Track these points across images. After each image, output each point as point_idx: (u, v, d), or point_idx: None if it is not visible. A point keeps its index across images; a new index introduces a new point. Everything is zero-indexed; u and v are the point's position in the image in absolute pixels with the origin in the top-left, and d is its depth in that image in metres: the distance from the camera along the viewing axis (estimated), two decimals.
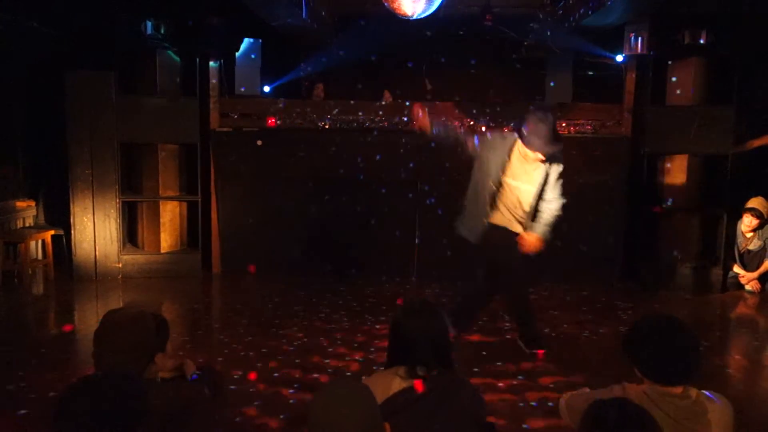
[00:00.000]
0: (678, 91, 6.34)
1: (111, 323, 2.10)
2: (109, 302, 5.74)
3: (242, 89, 7.02)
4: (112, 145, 6.33)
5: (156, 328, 2.19)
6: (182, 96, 6.59)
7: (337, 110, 6.66)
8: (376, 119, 6.64)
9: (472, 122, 6.55)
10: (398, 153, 6.43)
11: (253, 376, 3.86)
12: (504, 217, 4.26)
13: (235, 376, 3.87)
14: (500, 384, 3.86)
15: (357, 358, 4.30)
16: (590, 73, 7.29)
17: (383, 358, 2.57)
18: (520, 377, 3.98)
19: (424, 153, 6.36)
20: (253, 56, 6.96)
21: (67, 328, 5.00)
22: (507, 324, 4.95)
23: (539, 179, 4.15)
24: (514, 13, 7.15)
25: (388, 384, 2.06)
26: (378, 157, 6.41)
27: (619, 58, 6.57)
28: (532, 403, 3.58)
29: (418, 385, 2.01)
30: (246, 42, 6.82)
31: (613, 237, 6.55)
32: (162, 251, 6.68)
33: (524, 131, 4.00)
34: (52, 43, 6.64)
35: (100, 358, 2.09)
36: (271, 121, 6.58)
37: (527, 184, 4.17)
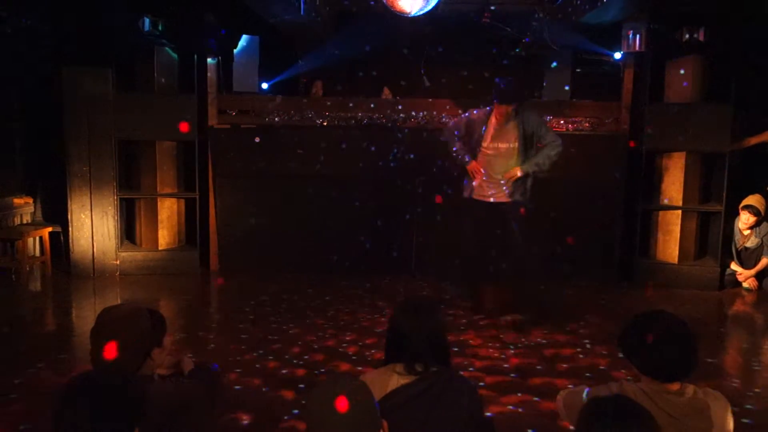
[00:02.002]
0: (676, 89, 6.34)
1: (107, 320, 2.09)
2: (106, 299, 5.74)
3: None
4: (110, 141, 6.32)
5: (152, 325, 2.19)
6: (180, 93, 6.58)
7: (334, 107, 6.65)
8: (375, 116, 6.63)
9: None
10: (397, 149, 6.42)
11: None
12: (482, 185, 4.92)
13: (233, 375, 3.87)
14: (497, 381, 3.87)
15: (356, 355, 4.30)
16: (588, 70, 7.27)
17: (381, 355, 2.57)
18: (514, 375, 3.99)
19: (422, 149, 6.34)
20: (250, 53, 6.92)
21: None
22: (508, 318, 4.97)
23: (519, 135, 4.78)
24: (513, 10, 7.13)
25: (386, 381, 2.06)
26: (376, 154, 6.40)
27: (618, 55, 6.56)
28: (530, 400, 3.59)
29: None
30: (244, 39, 6.80)
31: (611, 234, 6.55)
32: (160, 248, 6.67)
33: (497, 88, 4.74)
34: (50, 39, 6.62)
35: (97, 356, 2.08)
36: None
37: (506, 142, 4.82)
